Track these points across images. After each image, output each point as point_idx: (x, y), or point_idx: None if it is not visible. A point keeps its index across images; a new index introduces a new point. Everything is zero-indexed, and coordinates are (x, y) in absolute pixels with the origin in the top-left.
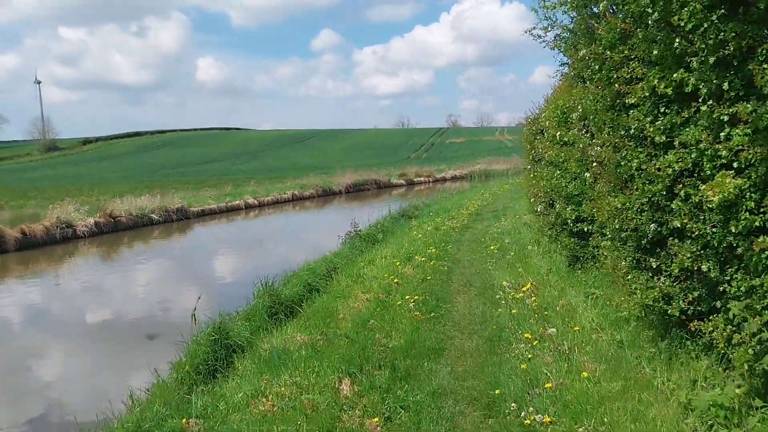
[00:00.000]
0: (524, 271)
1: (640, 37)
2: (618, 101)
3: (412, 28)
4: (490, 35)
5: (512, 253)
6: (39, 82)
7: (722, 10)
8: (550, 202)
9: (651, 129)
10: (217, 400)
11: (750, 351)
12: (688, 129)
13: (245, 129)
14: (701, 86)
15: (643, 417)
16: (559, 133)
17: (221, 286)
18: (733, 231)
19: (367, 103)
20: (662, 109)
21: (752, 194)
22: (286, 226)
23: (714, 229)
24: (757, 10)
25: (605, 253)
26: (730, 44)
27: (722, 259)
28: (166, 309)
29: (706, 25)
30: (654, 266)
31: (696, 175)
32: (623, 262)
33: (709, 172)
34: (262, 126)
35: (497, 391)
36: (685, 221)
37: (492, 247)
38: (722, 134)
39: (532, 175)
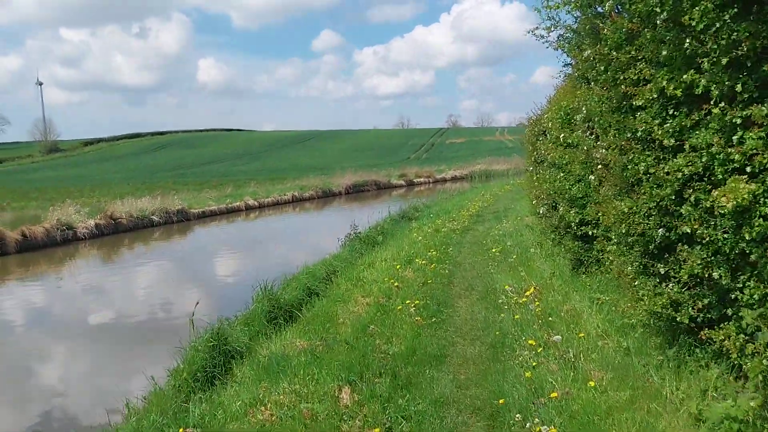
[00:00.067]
0: (527, 275)
1: (648, 37)
2: (624, 103)
3: (413, 28)
4: (490, 35)
5: (514, 256)
6: (41, 84)
7: (735, 10)
8: (553, 204)
9: (659, 132)
10: (215, 409)
11: (765, 362)
12: (698, 132)
13: (247, 130)
14: (713, 88)
15: (652, 428)
16: (562, 134)
17: (221, 288)
18: (747, 238)
19: (367, 103)
20: (671, 112)
21: (766, 200)
22: (286, 227)
23: (726, 235)
24: None
25: (611, 258)
26: (743, 45)
27: (734, 266)
28: (167, 311)
29: (718, 25)
30: (662, 272)
31: (706, 179)
32: (630, 268)
33: (720, 177)
34: (263, 126)
35: (501, 401)
36: (695, 227)
37: (494, 250)
38: (735, 138)
39: (534, 177)
